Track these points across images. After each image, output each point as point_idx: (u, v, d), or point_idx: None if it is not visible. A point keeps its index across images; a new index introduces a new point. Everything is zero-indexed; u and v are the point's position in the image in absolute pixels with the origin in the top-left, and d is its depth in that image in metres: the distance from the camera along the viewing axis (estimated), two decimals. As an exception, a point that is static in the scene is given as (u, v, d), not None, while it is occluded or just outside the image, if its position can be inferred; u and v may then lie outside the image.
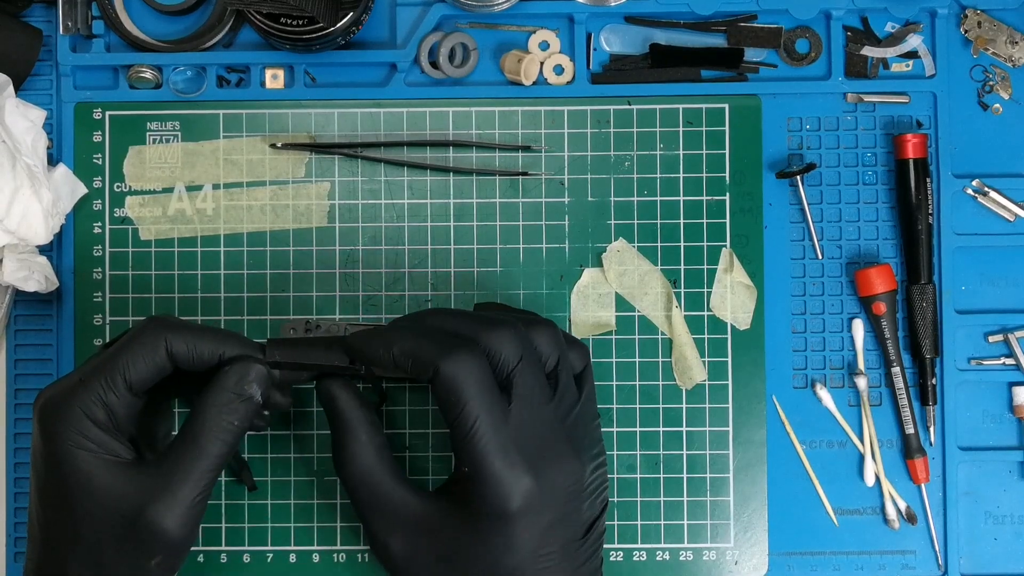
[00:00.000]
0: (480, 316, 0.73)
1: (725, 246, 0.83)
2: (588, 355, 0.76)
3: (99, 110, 0.83)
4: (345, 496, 0.82)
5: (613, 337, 0.83)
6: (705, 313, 0.83)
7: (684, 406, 0.82)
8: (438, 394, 0.70)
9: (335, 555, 0.82)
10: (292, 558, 0.82)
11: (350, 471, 0.74)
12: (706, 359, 0.82)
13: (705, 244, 0.83)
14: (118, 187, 0.83)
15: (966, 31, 0.83)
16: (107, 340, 0.82)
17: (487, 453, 0.69)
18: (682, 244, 0.83)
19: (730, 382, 0.82)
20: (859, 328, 0.83)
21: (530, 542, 0.71)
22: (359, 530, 0.82)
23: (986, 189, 0.83)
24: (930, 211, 0.82)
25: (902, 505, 0.83)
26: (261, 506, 0.82)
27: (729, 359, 0.83)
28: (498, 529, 0.70)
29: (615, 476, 0.82)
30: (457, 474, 0.71)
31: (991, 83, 0.83)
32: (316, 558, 0.82)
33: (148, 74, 0.83)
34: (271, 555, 0.82)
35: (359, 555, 0.82)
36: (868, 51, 0.83)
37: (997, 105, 0.84)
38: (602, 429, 0.76)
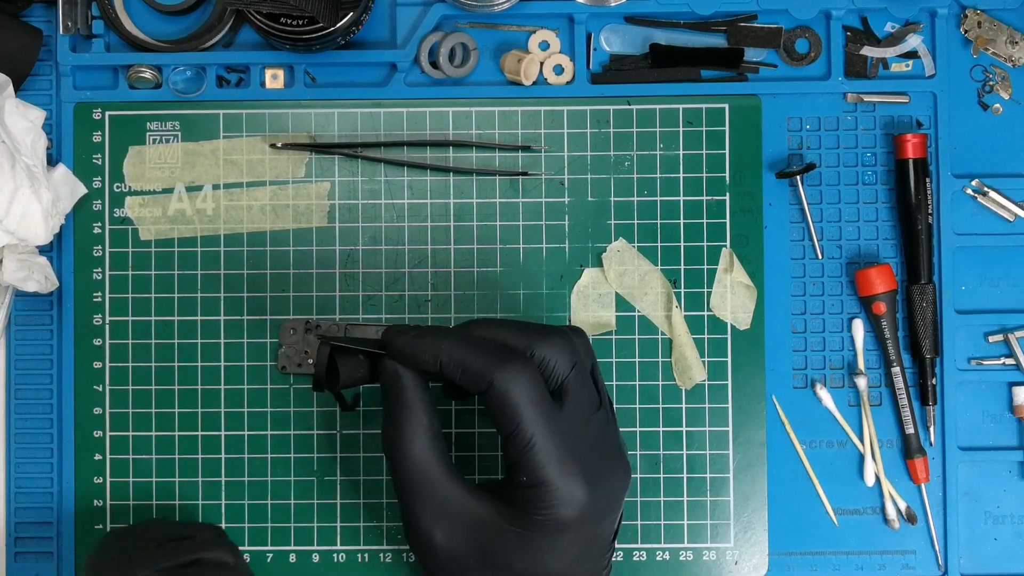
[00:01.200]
0: (529, 325, 0.73)
1: (725, 246, 0.83)
2: (597, 363, 0.77)
3: (99, 110, 0.83)
4: (345, 496, 0.82)
5: (613, 337, 0.83)
6: (705, 313, 0.83)
7: (684, 406, 0.82)
8: (492, 407, 0.70)
9: (335, 555, 0.82)
10: (292, 558, 0.82)
11: (405, 453, 0.73)
12: (706, 359, 0.82)
13: (705, 244, 0.83)
14: (118, 187, 0.83)
15: (966, 31, 0.83)
16: (107, 340, 0.82)
17: (545, 465, 0.70)
18: (682, 244, 0.83)
19: (730, 382, 0.82)
20: (859, 328, 0.83)
21: (575, 548, 0.71)
22: (360, 530, 0.82)
23: (986, 189, 0.83)
24: (930, 211, 0.82)
25: (902, 505, 0.83)
26: (261, 506, 0.82)
27: (729, 359, 0.83)
28: (550, 537, 0.71)
29: (615, 476, 0.82)
30: (513, 481, 0.71)
31: (991, 83, 0.83)
32: (316, 558, 0.82)
33: (148, 74, 0.82)
34: (271, 555, 0.82)
35: (359, 555, 0.82)
36: (868, 51, 0.83)
37: (997, 105, 0.84)
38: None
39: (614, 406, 0.80)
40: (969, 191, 0.83)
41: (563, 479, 0.70)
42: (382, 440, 0.73)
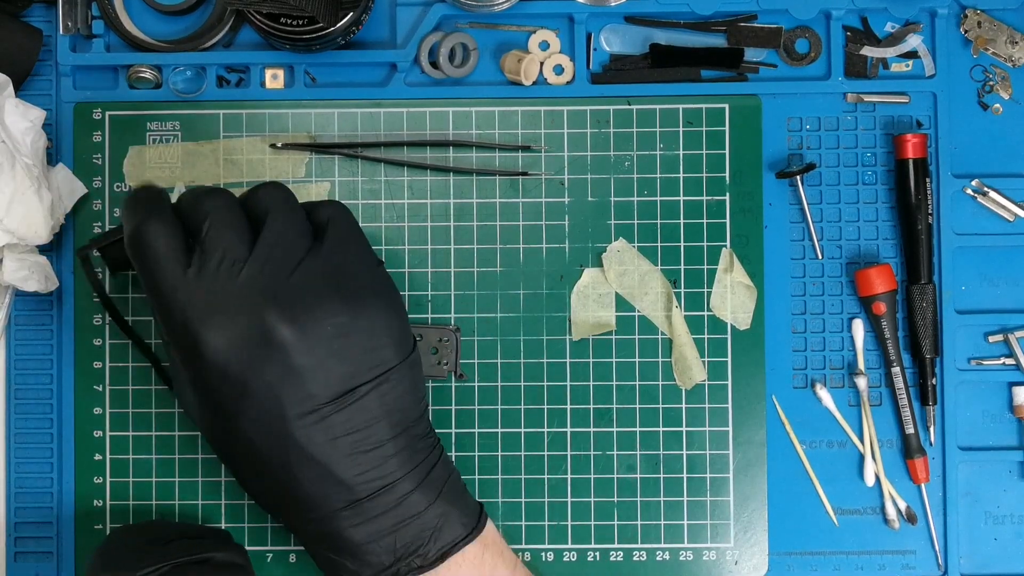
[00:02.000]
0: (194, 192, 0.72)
1: (725, 246, 0.83)
2: (338, 207, 0.73)
3: (99, 110, 0.83)
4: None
5: (613, 337, 0.83)
6: (705, 313, 0.83)
7: (684, 406, 0.82)
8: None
9: (335, 555, 0.82)
10: (292, 558, 0.82)
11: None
12: (706, 359, 0.82)
13: (705, 244, 0.83)
14: (118, 187, 0.83)
15: (966, 31, 0.83)
16: (107, 340, 0.82)
17: (169, 318, 0.69)
18: (682, 244, 0.83)
19: (730, 382, 0.82)
20: (859, 328, 0.83)
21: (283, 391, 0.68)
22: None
23: (986, 189, 0.83)
24: (930, 211, 0.82)
25: (902, 505, 0.83)
26: (261, 506, 0.82)
27: (729, 359, 0.83)
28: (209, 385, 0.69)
29: (615, 476, 0.82)
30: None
31: (991, 83, 0.83)
32: (316, 558, 0.82)
33: (148, 74, 0.82)
34: (271, 555, 0.82)
35: (359, 555, 0.82)
36: (868, 51, 0.83)
37: (997, 105, 0.84)
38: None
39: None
40: (969, 191, 0.83)
41: (182, 330, 0.68)
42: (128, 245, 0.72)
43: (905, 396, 0.82)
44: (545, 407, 0.82)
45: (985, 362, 0.83)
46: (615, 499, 0.82)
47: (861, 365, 0.83)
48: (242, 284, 0.69)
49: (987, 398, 0.83)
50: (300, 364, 0.69)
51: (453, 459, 0.82)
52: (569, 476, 0.82)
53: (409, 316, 0.82)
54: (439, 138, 0.83)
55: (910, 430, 0.82)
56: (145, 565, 0.71)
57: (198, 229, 0.70)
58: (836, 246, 0.83)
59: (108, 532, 0.81)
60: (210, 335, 0.68)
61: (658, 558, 0.82)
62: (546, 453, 0.82)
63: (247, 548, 0.81)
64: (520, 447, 0.82)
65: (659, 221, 0.83)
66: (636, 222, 0.83)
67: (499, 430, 0.82)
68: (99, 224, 0.83)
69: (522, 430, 0.82)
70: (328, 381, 0.69)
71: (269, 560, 0.82)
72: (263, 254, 0.70)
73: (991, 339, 0.83)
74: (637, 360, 0.83)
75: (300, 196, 0.82)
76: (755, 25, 0.83)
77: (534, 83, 0.83)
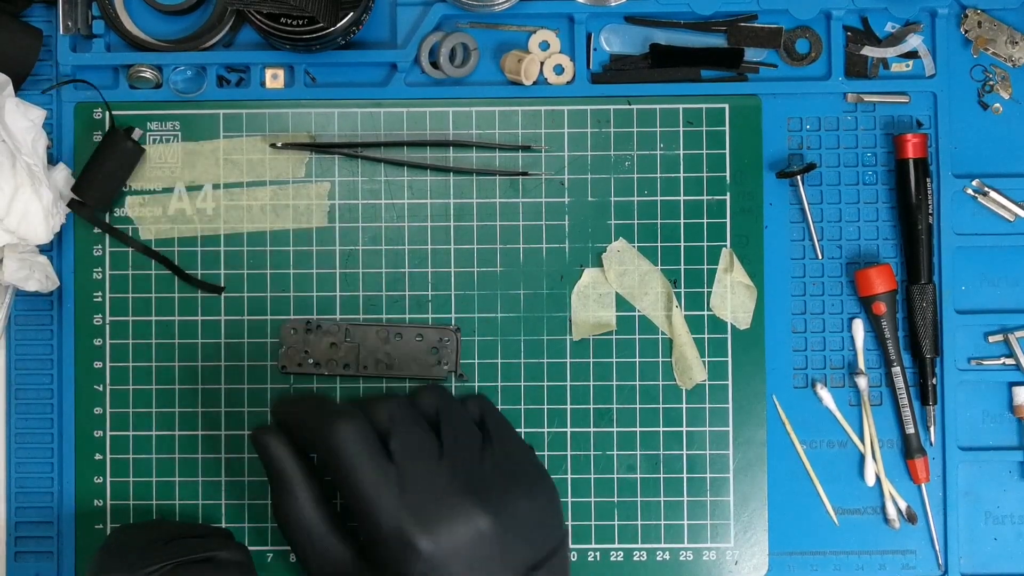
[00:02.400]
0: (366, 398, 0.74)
1: (725, 246, 0.83)
2: (484, 400, 0.76)
3: (99, 110, 0.83)
4: (345, 496, 0.82)
5: (613, 337, 0.83)
6: (705, 313, 0.83)
7: (684, 406, 0.82)
8: (325, 464, 0.70)
9: (335, 555, 0.82)
10: (292, 558, 0.82)
11: (286, 522, 0.73)
12: (706, 359, 0.82)
13: (705, 244, 0.83)
14: (118, 187, 0.83)
15: (966, 31, 0.83)
16: (107, 340, 0.82)
17: (379, 521, 0.69)
18: (682, 244, 0.83)
19: (730, 382, 0.82)
20: (859, 328, 0.83)
21: None
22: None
23: (986, 189, 0.83)
24: (930, 211, 0.82)
25: (902, 505, 0.83)
26: (261, 506, 0.82)
27: (729, 359, 0.83)
28: None
29: (615, 476, 0.82)
30: (363, 538, 0.71)
31: (991, 83, 0.83)
32: (316, 558, 0.82)
33: (148, 74, 0.82)
34: (271, 555, 0.82)
35: (359, 555, 0.82)
36: (868, 51, 0.83)
37: (997, 105, 0.84)
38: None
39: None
40: (969, 191, 0.83)
41: (396, 533, 0.69)
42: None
43: (905, 396, 0.82)
44: (545, 407, 0.82)
45: (985, 362, 0.83)
46: (615, 499, 0.82)
47: (861, 365, 0.83)
48: (444, 482, 0.70)
49: (987, 398, 0.83)
50: (499, 552, 0.70)
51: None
52: (569, 476, 0.82)
53: (409, 316, 0.82)
54: (439, 138, 0.83)
55: (910, 430, 0.82)
56: (148, 563, 0.71)
57: (385, 431, 0.71)
58: (836, 246, 0.83)
59: (109, 531, 0.81)
60: (426, 538, 0.69)
61: (658, 558, 0.82)
62: (546, 453, 0.82)
63: (248, 548, 0.81)
64: (520, 447, 0.82)
65: (659, 221, 0.83)
66: (636, 222, 0.83)
67: (499, 430, 0.82)
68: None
69: (522, 430, 0.82)
70: (516, 565, 0.71)
71: (269, 560, 0.82)
72: (453, 451, 0.72)
73: (991, 339, 0.83)
74: (637, 360, 0.83)
75: (300, 196, 0.83)
76: (755, 25, 0.83)
77: (534, 83, 0.83)
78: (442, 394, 0.74)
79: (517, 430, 0.82)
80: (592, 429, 0.82)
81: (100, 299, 0.82)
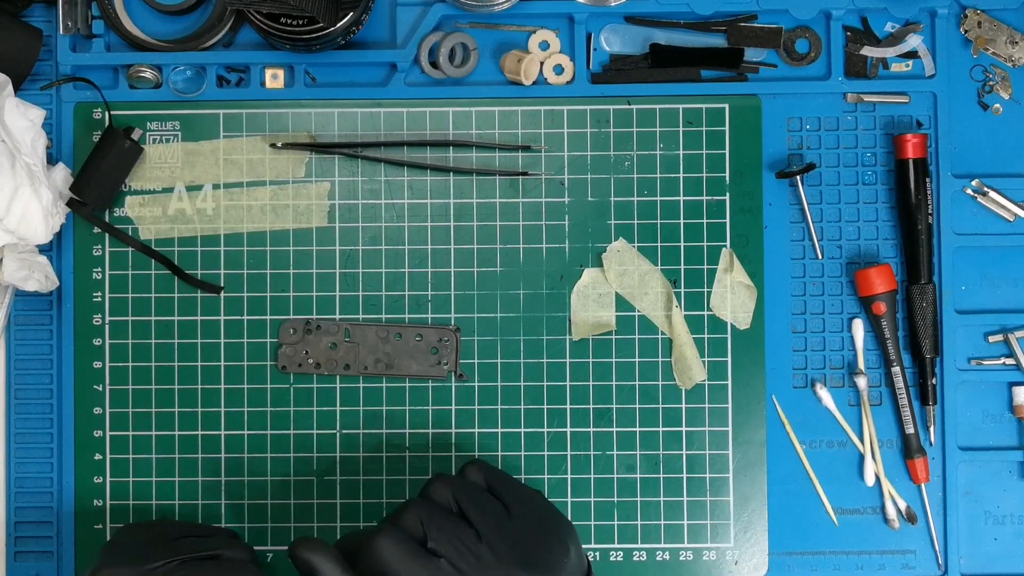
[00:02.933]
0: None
1: (725, 246, 0.83)
2: (481, 464, 0.75)
3: (99, 110, 0.83)
4: (344, 496, 0.82)
5: (613, 337, 0.83)
6: (705, 313, 0.83)
7: (684, 406, 0.82)
8: None
9: (335, 555, 0.82)
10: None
11: None
12: (706, 359, 0.82)
13: (705, 244, 0.83)
14: (118, 187, 0.83)
15: (966, 31, 0.83)
16: (107, 340, 0.82)
17: None
18: (682, 244, 0.83)
19: (730, 382, 0.82)
20: (859, 328, 0.83)
21: None
22: (360, 530, 0.82)
23: (986, 189, 0.83)
24: (930, 211, 0.82)
25: (902, 505, 0.83)
26: (261, 506, 0.82)
27: (729, 359, 0.83)
28: None
29: (615, 476, 0.82)
30: None
31: (991, 83, 0.83)
32: (316, 558, 0.82)
33: (148, 74, 0.82)
34: (271, 555, 0.82)
35: (359, 555, 0.82)
36: (868, 51, 0.83)
37: (997, 105, 0.84)
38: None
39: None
40: (969, 191, 0.83)
41: None
42: None
43: (905, 396, 0.82)
44: (545, 407, 0.82)
45: (985, 362, 0.83)
46: (615, 499, 0.82)
47: (861, 365, 0.83)
48: (493, 560, 0.70)
49: (987, 398, 0.83)
50: None
51: (453, 459, 0.82)
52: (569, 476, 0.82)
53: (409, 316, 0.82)
54: (439, 138, 0.83)
55: (910, 430, 0.82)
56: (153, 559, 0.71)
57: (419, 534, 0.70)
58: (836, 246, 0.83)
59: (109, 531, 0.81)
60: None
61: (658, 558, 0.82)
62: (546, 453, 0.82)
63: (253, 548, 0.81)
64: (520, 447, 0.82)
65: (659, 221, 0.83)
66: (636, 222, 0.83)
67: (499, 430, 0.82)
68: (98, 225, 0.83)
69: (522, 430, 0.82)
70: None
71: (269, 560, 0.82)
72: (486, 529, 0.71)
73: (991, 339, 0.83)
74: (637, 360, 0.83)
75: (300, 196, 0.83)
76: (755, 25, 0.83)
77: (534, 83, 0.83)
78: (448, 480, 0.74)
79: (517, 430, 0.82)
80: (592, 429, 0.82)
81: (100, 299, 0.82)
